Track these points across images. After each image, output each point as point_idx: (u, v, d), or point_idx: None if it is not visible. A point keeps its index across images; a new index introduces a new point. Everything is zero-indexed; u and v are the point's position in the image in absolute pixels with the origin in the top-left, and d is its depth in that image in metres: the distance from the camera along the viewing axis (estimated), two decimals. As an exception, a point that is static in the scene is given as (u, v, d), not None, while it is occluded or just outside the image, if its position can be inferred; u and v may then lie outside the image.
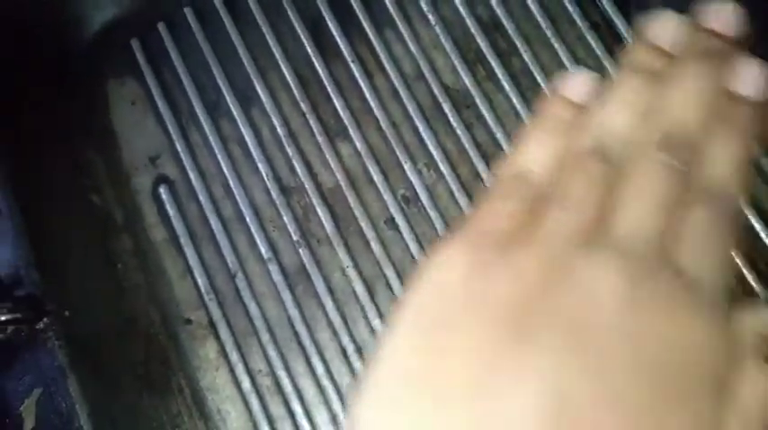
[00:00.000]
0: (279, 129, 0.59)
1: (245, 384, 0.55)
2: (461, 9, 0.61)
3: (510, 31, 0.59)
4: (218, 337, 0.56)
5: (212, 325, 0.56)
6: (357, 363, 0.55)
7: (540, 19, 0.59)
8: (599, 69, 0.57)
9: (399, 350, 0.37)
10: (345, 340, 0.55)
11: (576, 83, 0.47)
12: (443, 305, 0.38)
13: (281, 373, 0.55)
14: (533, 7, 0.59)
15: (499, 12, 0.60)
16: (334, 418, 0.54)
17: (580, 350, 0.35)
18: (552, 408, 0.35)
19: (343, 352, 0.55)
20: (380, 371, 0.37)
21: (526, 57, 0.59)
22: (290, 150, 0.59)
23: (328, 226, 0.57)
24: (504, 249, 0.40)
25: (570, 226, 0.41)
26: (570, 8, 0.59)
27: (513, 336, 0.36)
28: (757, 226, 0.53)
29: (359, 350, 0.55)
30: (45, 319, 0.48)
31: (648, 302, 0.37)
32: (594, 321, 0.36)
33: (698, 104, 0.44)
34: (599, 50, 0.58)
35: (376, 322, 0.55)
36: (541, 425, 0.35)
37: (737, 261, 0.52)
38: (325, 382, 0.54)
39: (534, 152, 0.46)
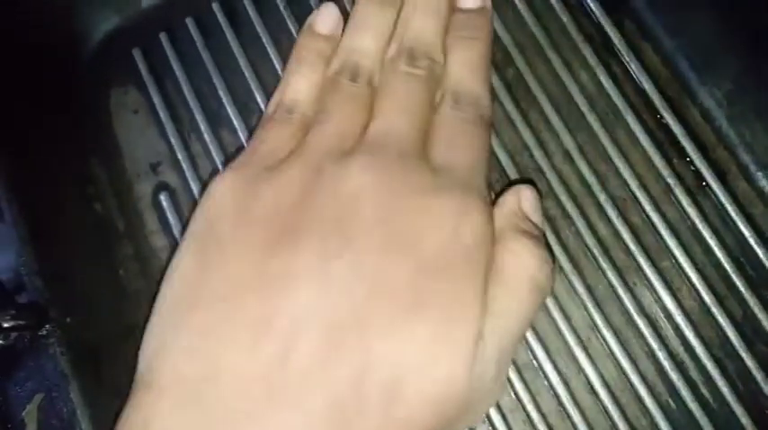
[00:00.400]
0: (278, 138, 0.60)
1: (245, 389, 0.56)
2: (457, 20, 0.62)
3: (505, 42, 0.60)
4: (217, 343, 0.57)
5: (212, 330, 0.57)
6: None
7: (534, 29, 0.60)
8: (593, 80, 0.58)
9: (181, 270, 0.41)
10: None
11: (324, 17, 0.52)
12: (217, 226, 0.43)
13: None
14: (528, 18, 0.60)
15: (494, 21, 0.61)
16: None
17: (341, 241, 0.38)
18: (321, 296, 0.37)
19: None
20: (166, 290, 0.41)
21: (521, 67, 0.60)
22: (288, 159, 0.60)
23: (326, 233, 0.58)
24: (272, 169, 0.44)
25: (329, 139, 0.45)
26: (564, 18, 0.60)
27: (281, 238, 0.39)
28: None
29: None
30: (48, 326, 0.49)
31: (401, 190, 0.40)
32: (351, 214, 0.39)
33: (432, 19, 0.51)
34: (592, 61, 0.59)
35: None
36: (315, 313, 0.37)
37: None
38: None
39: (296, 84, 0.51)
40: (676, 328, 0.53)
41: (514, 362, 0.54)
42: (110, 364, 0.54)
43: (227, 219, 0.42)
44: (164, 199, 0.60)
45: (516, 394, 0.53)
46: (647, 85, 0.57)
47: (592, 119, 0.57)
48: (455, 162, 0.44)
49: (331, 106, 0.47)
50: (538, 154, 0.57)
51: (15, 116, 0.55)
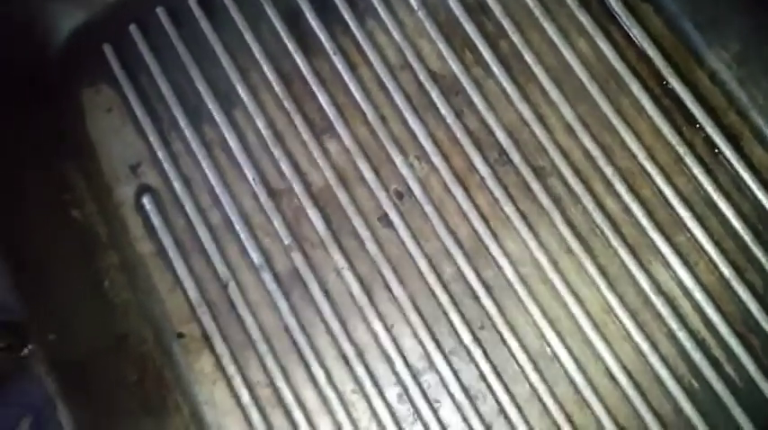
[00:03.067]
0: (264, 131, 0.57)
1: (245, 397, 0.53)
2: (445, -7, 0.59)
3: (497, 13, 0.57)
4: (213, 350, 0.54)
5: (206, 337, 0.54)
6: (359, 369, 0.53)
7: (527, -1, 0.57)
8: (592, 48, 0.55)
9: None
10: (345, 345, 0.53)
11: None
12: None
13: (281, 384, 0.53)
14: (519, -14, 0.57)
15: (484, -7, 0.58)
16: (339, 428, 0.52)
17: None
18: None
19: (344, 358, 0.53)
20: None
21: (515, 39, 0.56)
22: (276, 152, 0.57)
23: (320, 227, 0.55)
24: None
25: None
26: (558, -15, 0.56)
27: None
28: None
29: (360, 354, 0.53)
30: (29, 346, 0.46)
31: None
32: None
33: None
34: (590, 28, 0.55)
35: (376, 325, 0.53)
36: None
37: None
38: (328, 391, 0.53)
39: None
40: (696, 306, 0.51)
41: (527, 352, 0.51)
42: (99, 379, 0.51)
43: None
44: (147, 202, 0.56)
45: (531, 384, 0.51)
46: (651, 50, 0.54)
47: (593, 89, 0.54)
48: None
49: None
50: (538, 129, 0.54)
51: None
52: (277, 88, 0.58)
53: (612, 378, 0.50)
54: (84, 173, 0.57)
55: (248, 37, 0.58)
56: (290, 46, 0.58)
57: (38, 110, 0.58)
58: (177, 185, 0.56)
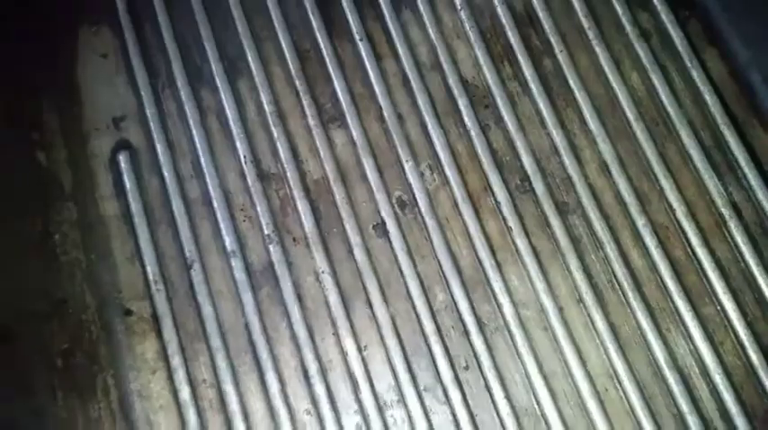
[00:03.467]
0: (266, 107, 0.51)
1: (184, 394, 0.46)
2: (493, -3, 0.53)
3: (546, 28, 0.51)
4: (160, 336, 0.47)
5: (156, 320, 0.47)
6: (318, 388, 0.46)
7: (582, 18, 0.51)
8: (645, 83, 0.49)
9: None
10: (309, 358, 0.47)
11: None
12: None
13: (228, 387, 0.46)
14: (577, 4, 0.51)
15: (536, 3, 0.52)
16: (282, 450, 0.45)
17: None
18: None
19: (305, 372, 0.46)
20: None
21: (561, 58, 0.51)
22: (275, 131, 0.51)
23: (307, 223, 0.49)
24: None
25: None
26: (619, 10, 0.51)
27: None
28: None
29: (323, 371, 0.46)
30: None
31: None
32: None
33: None
34: (647, 61, 0.50)
35: (348, 342, 0.47)
36: None
37: None
38: (278, 404, 0.46)
39: None
40: (714, 390, 0.44)
41: (512, 405, 0.44)
42: (24, 345, 0.45)
43: None
44: (123, 160, 0.50)
45: (509, 444, 0.44)
46: (709, 97, 0.49)
47: (638, 128, 0.49)
48: None
49: None
50: (569, 161, 0.48)
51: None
52: (291, 64, 0.52)
53: (604, 454, 0.43)
54: (60, 114, 0.51)
55: (271, 3, 0.53)
56: (315, 22, 0.53)
57: (24, 37, 0.52)
58: (160, 148, 0.50)
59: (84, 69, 0.53)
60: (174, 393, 0.46)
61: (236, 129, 0.51)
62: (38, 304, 0.46)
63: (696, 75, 0.49)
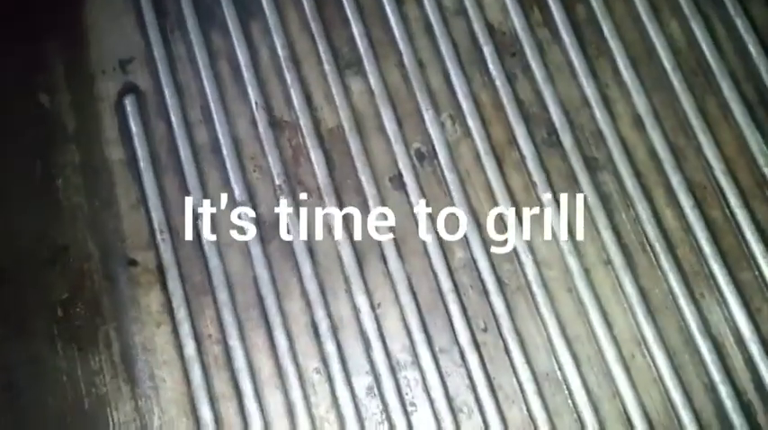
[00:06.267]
0: (280, 51, 0.49)
1: (189, 349, 0.44)
2: (524, -62, 0.50)
3: (580, -29, 0.48)
4: (165, 288, 0.45)
5: (161, 271, 0.46)
6: (329, 346, 0.44)
7: (619, -39, 0.48)
8: (684, 32, 0.46)
9: None
10: (320, 315, 0.44)
11: None
12: None
13: (235, 343, 0.44)
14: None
15: (570, -55, 0.49)
16: (290, 409, 0.43)
17: None
18: None
19: (315, 329, 0.44)
20: None
21: (595, 4, 0.48)
22: (289, 77, 0.48)
23: (320, 173, 0.47)
24: None
25: None
26: (659, -48, 0.48)
27: None
28: None
29: (334, 329, 0.44)
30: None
31: None
32: None
33: None
34: (687, 9, 0.47)
35: (360, 299, 0.45)
36: None
37: None
38: (286, 362, 0.44)
39: None
40: (748, 360, 0.42)
41: (532, 369, 0.42)
42: (24, 292, 0.43)
43: None
44: (129, 103, 0.48)
45: (529, 409, 0.42)
46: (753, 48, 0.46)
47: (676, 79, 0.46)
48: None
49: None
50: (600, 113, 0.46)
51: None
52: (306, 5, 0.50)
53: (629, 423, 0.41)
54: (66, 56, 0.49)
55: (290, -56, 0.50)
56: (334, -38, 0.50)
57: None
58: (168, 91, 0.48)
59: (91, 9, 0.51)
60: (179, 348, 0.45)
61: (247, 73, 0.49)
62: (37, 249, 0.44)
63: (740, 23, 0.46)
